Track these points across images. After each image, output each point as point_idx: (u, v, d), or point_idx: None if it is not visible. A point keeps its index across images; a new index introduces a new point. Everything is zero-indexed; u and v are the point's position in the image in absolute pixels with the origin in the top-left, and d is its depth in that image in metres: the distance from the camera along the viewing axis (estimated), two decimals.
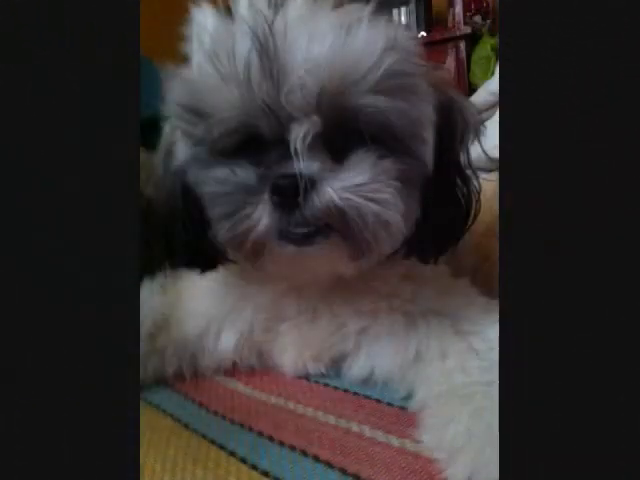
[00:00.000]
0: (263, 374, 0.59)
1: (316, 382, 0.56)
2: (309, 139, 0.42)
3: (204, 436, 0.46)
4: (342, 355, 0.55)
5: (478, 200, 0.52)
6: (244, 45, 0.42)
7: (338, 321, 0.54)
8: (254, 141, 0.45)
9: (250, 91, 0.42)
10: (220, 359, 0.58)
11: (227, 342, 0.57)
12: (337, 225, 0.43)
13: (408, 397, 0.49)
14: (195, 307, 0.58)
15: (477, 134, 0.53)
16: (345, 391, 0.53)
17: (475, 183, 0.52)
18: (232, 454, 0.43)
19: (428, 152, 0.47)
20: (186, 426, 0.48)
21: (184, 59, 0.47)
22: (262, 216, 0.43)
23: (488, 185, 0.57)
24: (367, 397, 0.52)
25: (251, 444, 0.44)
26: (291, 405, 0.51)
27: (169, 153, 0.51)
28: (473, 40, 2.54)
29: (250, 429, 0.47)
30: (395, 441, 0.43)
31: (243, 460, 0.42)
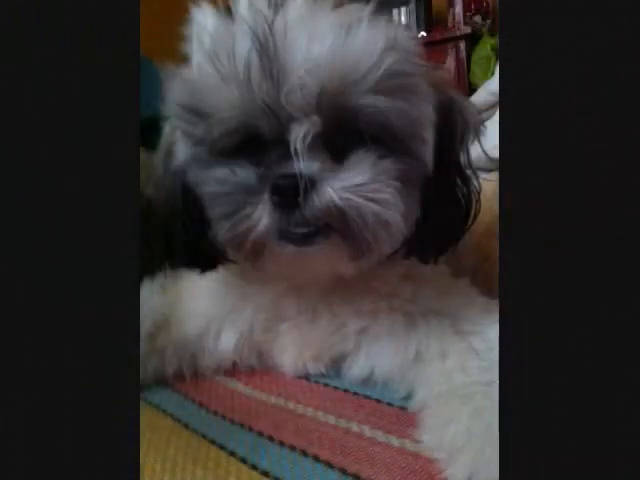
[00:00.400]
0: (263, 374, 0.58)
1: (316, 382, 0.56)
2: (309, 139, 0.42)
3: (204, 436, 0.46)
4: (342, 355, 0.55)
5: (478, 200, 0.52)
6: (244, 45, 0.42)
7: (338, 321, 0.54)
8: (254, 141, 0.45)
9: (250, 91, 0.42)
10: (220, 359, 0.58)
11: (227, 342, 0.57)
12: (337, 225, 0.43)
13: (408, 397, 0.49)
14: (195, 307, 0.58)
15: (477, 134, 0.53)
16: (345, 391, 0.53)
17: (475, 183, 0.52)
18: (232, 454, 0.43)
19: (428, 152, 0.47)
20: (186, 426, 0.48)
21: (184, 59, 0.47)
22: (262, 216, 0.43)
23: (488, 185, 0.57)
24: (367, 397, 0.52)
25: (251, 444, 0.44)
26: (291, 405, 0.51)
27: (169, 153, 0.51)
28: (473, 40, 2.54)
29: (250, 429, 0.47)
30: (395, 441, 0.43)
31: (243, 460, 0.42)
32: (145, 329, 0.55)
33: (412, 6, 2.60)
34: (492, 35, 2.48)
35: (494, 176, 0.47)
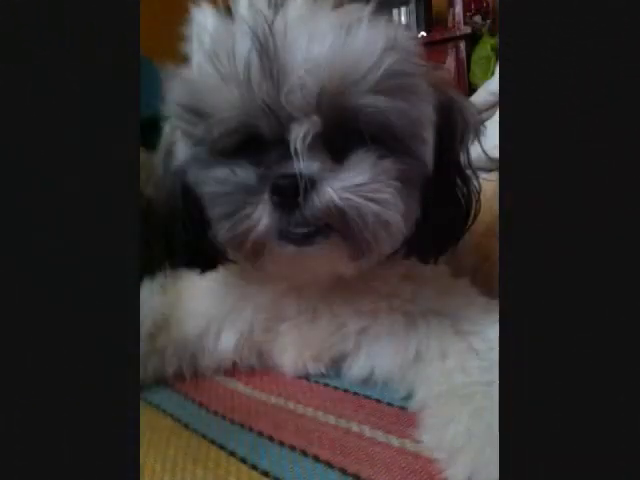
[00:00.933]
0: (263, 374, 0.59)
1: (316, 382, 0.56)
2: (309, 139, 0.42)
3: (204, 436, 0.46)
4: (342, 355, 0.55)
5: (478, 200, 0.52)
6: (244, 45, 0.42)
7: (338, 321, 0.54)
8: (254, 141, 0.45)
9: (250, 91, 0.42)
10: (220, 359, 0.58)
11: (227, 342, 0.57)
12: (337, 225, 0.43)
13: (408, 397, 0.49)
14: (195, 307, 0.58)
15: (477, 134, 0.53)
16: (345, 391, 0.53)
17: (475, 183, 0.52)
18: (232, 454, 0.43)
19: (428, 152, 0.47)
20: (186, 426, 0.48)
21: (184, 59, 0.47)
22: (262, 216, 0.43)
23: (488, 185, 0.57)
24: (367, 397, 0.52)
25: (251, 444, 0.44)
26: (291, 405, 0.51)
27: (169, 153, 0.51)
28: (473, 40, 2.54)
29: (250, 429, 0.47)
30: (395, 441, 0.43)
31: (243, 460, 0.42)
32: (145, 329, 0.55)
33: (412, 6, 2.60)
34: (492, 35, 2.48)
35: (494, 176, 0.47)
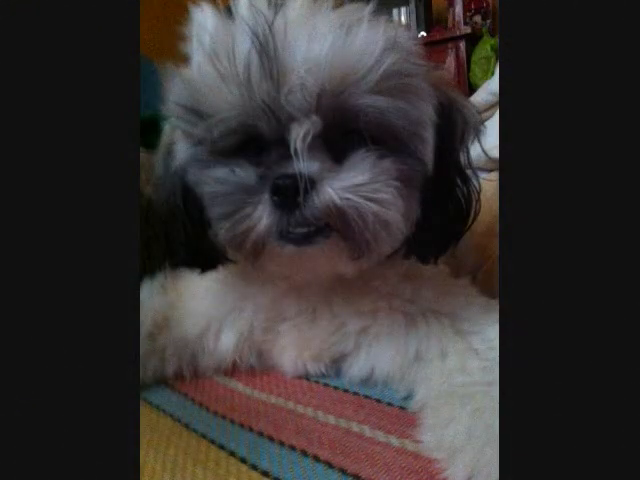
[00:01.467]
0: (263, 374, 0.59)
1: (316, 382, 0.56)
2: (309, 139, 0.42)
3: (204, 436, 0.46)
4: (342, 355, 0.55)
5: (478, 200, 0.52)
6: (244, 45, 0.42)
7: (338, 321, 0.54)
8: (254, 141, 0.45)
9: (250, 91, 0.42)
10: (220, 359, 0.58)
11: (227, 342, 0.57)
12: (337, 225, 0.43)
13: (408, 397, 0.49)
14: (195, 307, 0.58)
15: (477, 134, 0.53)
16: (345, 391, 0.53)
17: (475, 183, 0.52)
18: (232, 454, 0.43)
19: (428, 152, 0.47)
20: (186, 426, 0.48)
21: (184, 59, 0.47)
22: (262, 216, 0.43)
23: (488, 185, 0.57)
24: (367, 397, 0.52)
25: (251, 444, 0.44)
26: (291, 405, 0.51)
27: (169, 153, 0.51)
28: (473, 40, 2.54)
29: (250, 429, 0.47)
30: (395, 441, 0.43)
31: (243, 460, 0.42)
32: (145, 329, 0.55)
33: (412, 6, 2.60)
34: (492, 35, 2.48)
35: (494, 176, 0.47)
